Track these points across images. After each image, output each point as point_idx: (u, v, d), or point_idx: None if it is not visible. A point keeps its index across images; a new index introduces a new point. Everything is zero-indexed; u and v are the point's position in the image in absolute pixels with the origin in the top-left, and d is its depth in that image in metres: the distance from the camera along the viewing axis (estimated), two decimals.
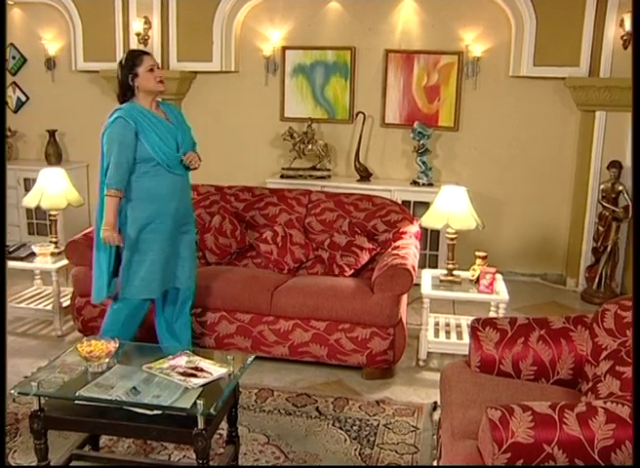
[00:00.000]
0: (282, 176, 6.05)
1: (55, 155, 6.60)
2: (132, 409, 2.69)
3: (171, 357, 2.92)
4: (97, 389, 2.77)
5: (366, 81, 6.07)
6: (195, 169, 3.66)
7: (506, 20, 5.69)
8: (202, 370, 2.81)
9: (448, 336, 4.33)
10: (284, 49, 6.15)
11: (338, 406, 3.68)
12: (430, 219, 4.28)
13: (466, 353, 4.21)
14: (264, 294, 4.05)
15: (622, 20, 5.29)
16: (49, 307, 4.64)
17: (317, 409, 3.64)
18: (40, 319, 4.75)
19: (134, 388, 2.77)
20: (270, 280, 4.20)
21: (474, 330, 3.02)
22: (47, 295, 4.86)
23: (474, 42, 5.77)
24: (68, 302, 4.64)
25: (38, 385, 2.68)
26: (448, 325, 4.52)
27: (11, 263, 4.59)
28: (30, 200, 4.63)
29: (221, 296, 4.08)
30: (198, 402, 2.54)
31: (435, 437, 3.33)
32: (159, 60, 6.21)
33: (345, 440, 3.35)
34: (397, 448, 3.30)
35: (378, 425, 3.50)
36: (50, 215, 4.72)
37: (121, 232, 3.52)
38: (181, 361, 2.88)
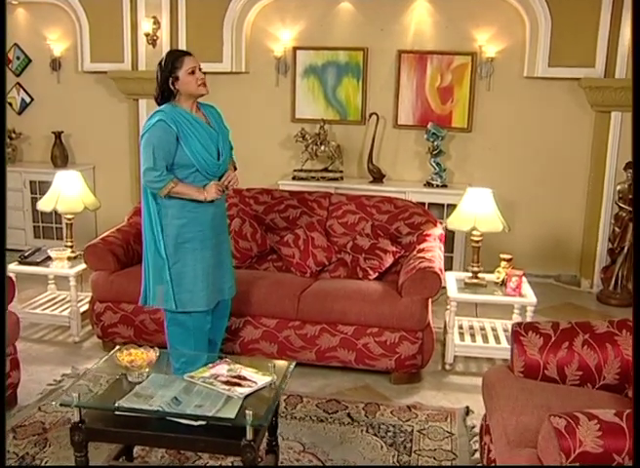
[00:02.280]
0: (294, 178, 5.99)
1: (61, 157, 6.50)
2: (174, 419, 2.63)
3: (211, 365, 2.86)
4: (136, 399, 2.71)
5: (378, 82, 6.02)
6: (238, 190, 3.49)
7: (520, 21, 5.66)
8: (245, 378, 2.75)
9: (473, 340, 4.29)
10: (295, 49, 6.09)
11: (369, 411, 3.63)
12: (457, 222, 4.24)
13: (492, 356, 4.28)
14: (291, 299, 3.99)
15: None
16: (65, 313, 4.55)
17: (349, 414, 3.59)
18: (55, 325, 4.66)
19: (175, 398, 2.71)
20: (295, 284, 4.14)
21: (516, 334, 2.98)
22: (62, 301, 4.78)
23: (488, 42, 5.74)
24: (85, 308, 4.56)
25: (79, 396, 2.60)
26: (472, 328, 4.48)
27: (27, 268, 4.51)
28: (46, 204, 4.54)
29: (246, 301, 4.01)
30: (247, 412, 2.47)
31: (477, 443, 3.30)
32: None
33: (382, 447, 3.30)
34: (435, 454, 3.25)
35: (412, 431, 3.45)
36: (66, 219, 4.62)
37: (156, 241, 3.40)
38: (222, 369, 2.82)
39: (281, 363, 3.00)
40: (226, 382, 2.71)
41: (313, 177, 5.99)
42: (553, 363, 2.89)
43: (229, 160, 3.58)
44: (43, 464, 3.10)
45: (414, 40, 5.90)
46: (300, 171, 6.03)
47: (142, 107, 6.27)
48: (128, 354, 2.72)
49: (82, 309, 4.54)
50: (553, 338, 2.93)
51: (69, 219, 4.63)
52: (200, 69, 3.37)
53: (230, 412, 2.62)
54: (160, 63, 3.37)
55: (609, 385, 2.85)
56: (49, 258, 4.57)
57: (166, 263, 3.41)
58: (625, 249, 5.40)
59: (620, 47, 5.38)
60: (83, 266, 4.44)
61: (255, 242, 4.50)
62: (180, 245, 3.40)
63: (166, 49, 6.08)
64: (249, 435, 2.49)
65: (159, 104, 3.41)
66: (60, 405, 2.70)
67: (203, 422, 2.60)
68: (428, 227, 4.40)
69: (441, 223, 4.53)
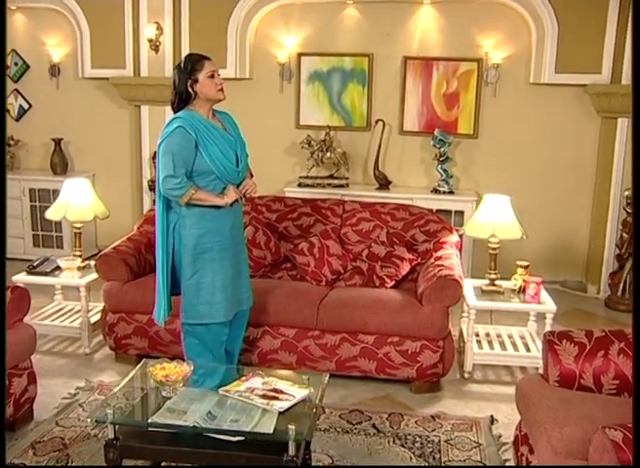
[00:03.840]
0: (300, 185, 5.95)
1: (61, 164, 6.40)
2: (211, 435, 2.57)
3: (244, 378, 2.80)
4: (170, 415, 2.64)
5: (384, 88, 6.00)
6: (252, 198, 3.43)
7: (526, 27, 5.67)
8: (282, 391, 2.69)
9: (491, 347, 4.27)
10: (299, 55, 6.06)
11: (393, 421, 3.58)
12: (475, 229, 4.22)
13: (509, 364, 4.25)
14: (310, 308, 3.93)
15: None
16: (75, 324, 4.46)
17: (374, 425, 3.54)
18: (64, 336, 4.56)
19: (209, 413, 2.65)
20: (313, 293, 4.09)
21: (550, 343, 2.95)
22: (70, 311, 4.68)
23: (494, 49, 5.74)
24: (95, 319, 4.47)
25: (114, 413, 2.53)
26: (488, 335, 4.46)
27: (37, 279, 4.41)
28: (55, 212, 4.45)
29: (264, 311, 3.95)
30: (290, 427, 2.42)
31: (506, 453, 3.27)
32: (171, 67, 6.08)
33: (411, 458, 3.25)
34: (465, 465, 3.21)
35: (439, 441, 3.41)
36: (75, 228, 4.53)
37: (175, 252, 3.33)
38: (257, 383, 2.76)
39: (315, 375, 2.94)
40: (263, 396, 2.65)
41: (319, 184, 5.95)
42: (589, 372, 2.86)
43: (247, 167, 3.54)
44: None
45: (419, 46, 5.89)
46: (306, 177, 5.99)
47: (145, 114, 6.19)
48: (162, 368, 2.65)
49: (93, 320, 4.44)
50: (588, 347, 2.90)
51: (78, 229, 4.54)
52: (218, 74, 3.34)
53: (268, 427, 2.56)
54: (179, 65, 3.33)
55: None
56: (58, 268, 4.47)
57: (183, 275, 3.35)
58: (634, 254, 5.42)
59: (627, 53, 5.40)
60: (94, 276, 4.36)
61: (269, 250, 4.44)
62: (199, 255, 3.33)
63: (169, 55, 6.04)
64: (291, 450, 2.43)
65: (175, 110, 3.36)
66: (96, 421, 2.62)
67: (241, 438, 2.54)
68: (444, 234, 4.37)
69: (457, 230, 4.50)
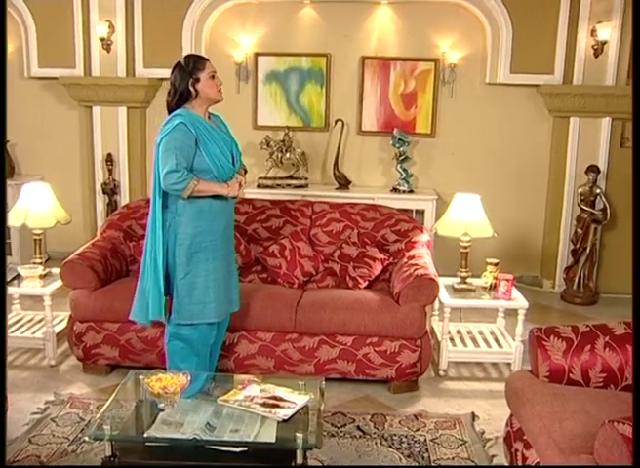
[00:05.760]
0: (259, 186, 5.88)
1: (6, 168, 6.12)
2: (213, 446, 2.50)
3: (241, 387, 2.74)
4: (166, 428, 2.57)
5: (342, 88, 6.00)
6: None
7: (482, 28, 5.77)
8: (282, 399, 2.64)
9: (464, 345, 4.32)
10: (256, 55, 5.99)
11: (377, 423, 3.58)
12: (447, 228, 4.26)
13: (482, 361, 4.32)
14: (288, 311, 3.89)
15: (594, 30, 5.49)
16: (37, 335, 4.27)
17: (358, 427, 3.53)
18: (25, 348, 4.36)
19: (207, 424, 2.58)
20: (288, 295, 4.04)
21: (539, 339, 3.00)
22: (30, 322, 4.48)
23: (450, 49, 5.82)
24: (59, 329, 4.30)
25: (111, 428, 2.42)
26: (459, 332, 4.52)
27: None
28: (15, 219, 4.24)
29: (240, 315, 3.85)
30: (297, 435, 2.37)
31: (492, 449, 3.31)
32: (123, 67, 5.92)
33: (400, 458, 3.26)
34: (454, 463, 3.24)
35: (425, 441, 3.42)
36: (35, 235, 4.34)
37: (169, 251, 3.29)
38: (255, 391, 2.71)
39: (310, 380, 2.91)
40: (264, 404, 2.60)
41: (279, 185, 5.90)
42: (578, 366, 2.93)
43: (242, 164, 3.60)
44: None
45: (377, 46, 5.91)
46: (265, 178, 5.93)
47: (96, 115, 6.00)
48: (158, 380, 2.56)
49: (56, 330, 4.26)
50: (575, 342, 2.97)
51: (38, 235, 4.34)
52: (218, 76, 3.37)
53: (270, 436, 2.52)
54: (180, 64, 3.31)
55: (631, 386, 2.91)
56: (18, 277, 4.27)
57: (176, 274, 3.30)
58: (588, 249, 5.59)
59: (577, 54, 5.57)
60: (57, 284, 4.18)
61: (239, 253, 4.35)
62: (193, 255, 3.31)
63: (122, 54, 5.89)
64: (299, 458, 2.39)
65: (171, 110, 3.31)
66: (94, 439, 2.50)
67: (244, 448, 2.48)
68: (415, 234, 4.40)
69: (428, 230, 4.54)
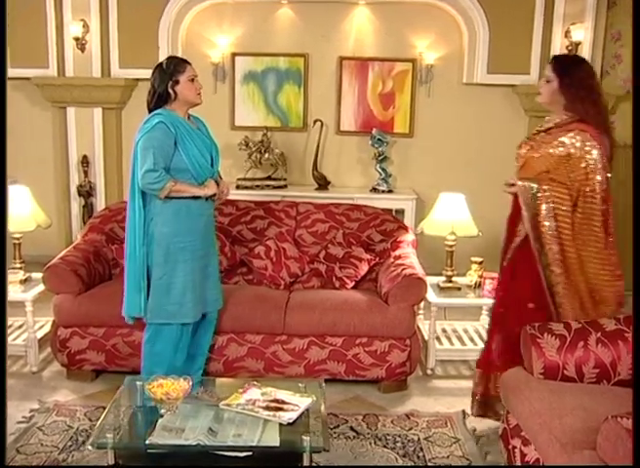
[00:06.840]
0: (238, 187, 5.84)
1: None
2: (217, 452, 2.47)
3: (241, 390, 2.71)
4: (168, 434, 2.52)
5: (320, 88, 6.00)
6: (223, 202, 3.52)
7: (458, 29, 5.83)
8: (284, 401, 2.62)
9: (451, 343, 4.35)
10: (233, 55, 5.95)
11: (370, 423, 3.59)
12: (433, 228, 4.29)
13: (468, 358, 4.35)
14: (277, 313, 3.87)
15: (568, 31, 5.58)
16: (18, 341, 4.17)
17: (352, 428, 3.53)
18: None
19: (209, 429, 2.55)
20: (276, 297, 4.02)
21: (532, 337, 3.03)
22: (9, 328, 4.35)
23: (427, 49, 5.86)
24: (40, 334, 4.20)
25: (114, 437, 2.38)
26: (445, 331, 4.55)
27: None
28: None
29: (228, 318, 3.84)
30: (305, 438, 2.36)
31: (485, 446, 3.34)
32: (99, 67, 5.82)
33: (396, 458, 3.26)
34: (449, 461, 3.26)
35: (419, 440, 3.44)
36: (14, 239, 4.23)
37: (148, 251, 3.30)
38: (256, 394, 2.69)
39: (310, 381, 2.90)
40: (266, 407, 2.58)
41: (258, 186, 5.87)
42: (571, 362, 2.96)
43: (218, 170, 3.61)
44: None
45: (355, 46, 5.93)
46: (244, 179, 5.90)
47: (71, 116, 5.89)
48: (159, 386, 2.52)
49: (38, 336, 4.17)
50: (569, 339, 3.00)
51: (18, 239, 4.25)
52: (198, 80, 3.41)
53: (273, 440, 2.50)
54: (161, 66, 3.35)
55: (623, 381, 2.96)
56: None
57: (154, 274, 3.33)
58: None
59: (552, 55, 5.64)
60: (39, 289, 4.09)
61: (224, 255, 4.32)
62: (171, 255, 3.33)
63: (96, 54, 5.80)
64: (306, 461, 2.38)
65: (150, 110, 3.34)
66: (98, 447, 2.44)
67: (249, 453, 2.45)
68: (401, 234, 4.42)
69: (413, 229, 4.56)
